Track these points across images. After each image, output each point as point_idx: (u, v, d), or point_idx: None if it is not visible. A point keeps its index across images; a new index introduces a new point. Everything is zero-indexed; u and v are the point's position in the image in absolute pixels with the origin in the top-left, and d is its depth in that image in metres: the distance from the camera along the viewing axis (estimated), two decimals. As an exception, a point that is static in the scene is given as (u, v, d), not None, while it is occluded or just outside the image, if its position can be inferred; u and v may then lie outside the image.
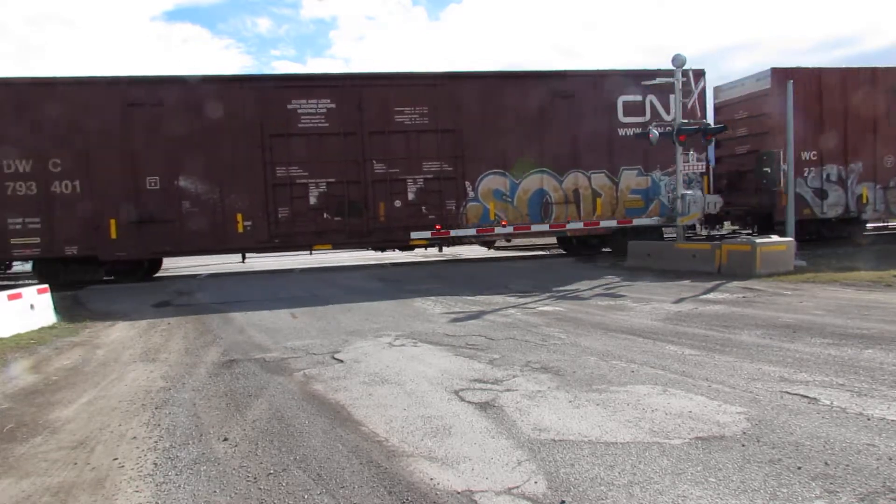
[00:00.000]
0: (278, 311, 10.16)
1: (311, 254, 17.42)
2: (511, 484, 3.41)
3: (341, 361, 6.48)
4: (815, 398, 4.64)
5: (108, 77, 15.28)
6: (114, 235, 14.97)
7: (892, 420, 4.12)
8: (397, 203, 16.43)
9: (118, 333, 8.91)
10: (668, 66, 14.49)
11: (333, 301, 11.05)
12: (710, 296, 10.09)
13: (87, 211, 14.83)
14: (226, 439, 4.31)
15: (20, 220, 14.57)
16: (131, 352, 7.57)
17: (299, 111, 15.89)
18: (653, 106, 17.35)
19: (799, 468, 3.45)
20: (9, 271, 16.81)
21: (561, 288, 11.71)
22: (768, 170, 14.36)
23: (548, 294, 10.99)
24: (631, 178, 17.59)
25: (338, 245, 16.86)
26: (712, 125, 14.77)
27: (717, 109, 19.53)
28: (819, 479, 3.31)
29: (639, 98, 17.27)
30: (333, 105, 16.00)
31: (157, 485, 3.64)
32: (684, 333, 7.22)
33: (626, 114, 17.37)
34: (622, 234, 17.43)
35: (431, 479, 3.52)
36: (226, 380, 5.95)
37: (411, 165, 16.42)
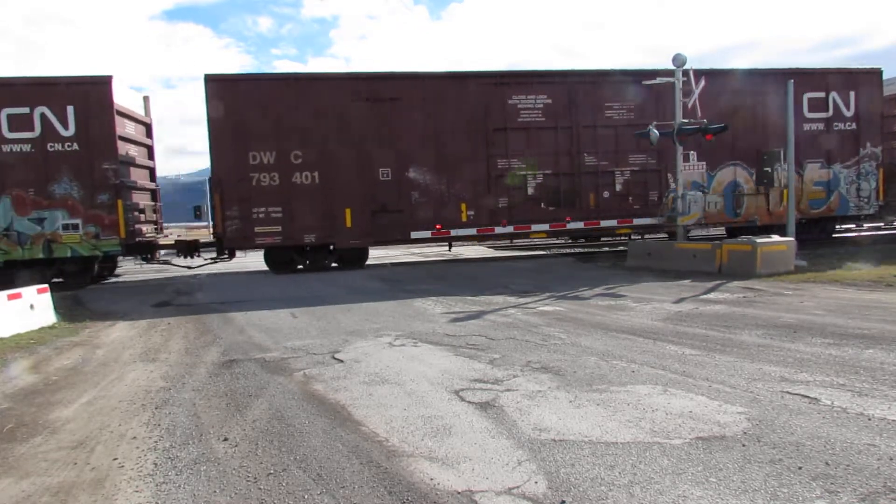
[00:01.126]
0: (278, 310, 10.16)
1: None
2: (511, 484, 3.40)
3: (341, 361, 6.47)
4: (815, 398, 4.63)
5: (347, 74, 16.70)
6: (349, 224, 15.98)
7: (893, 420, 4.11)
8: (605, 194, 17.45)
9: (118, 333, 8.91)
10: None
11: (333, 301, 11.04)
12: (711, 296, 10.08)
13: (325, 201, 15.85)
14: (226, 439, 4.31)
15: (263, 209, 15.54)
16: (131, 352, 7.56)
17: (518, 106, 16.90)
18: (835, 102, 18.35)
19: (800, 468, 3.45)
20: (152, 261, 17.96)
21: (561, 288, 11.70)
22: (769, 169, 14.34)
23: (548, 294, 10.98)
24: (814, 171, 18.46)
25: (551, 234, 18.17)
26: (712, 125, 14.71)
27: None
28: (820, 479, 3.31)
29: (822, 95, 18.23)
30: (549, 101, 17.00)
31: (157, 485, 3.63)
32: (685, 333, 7.21)
33: (810, 110, 18.26)
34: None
35: (431, 479, 3.52)
36: (226, 380, 5.94)
37: (619, 158, 17.44)
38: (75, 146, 14.52)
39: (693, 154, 17.22)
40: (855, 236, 20.73)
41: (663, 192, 17.59)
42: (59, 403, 5.43)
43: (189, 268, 17.63)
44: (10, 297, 8.98)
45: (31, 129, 14.29)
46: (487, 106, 16.63)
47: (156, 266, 19.10)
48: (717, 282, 11.53)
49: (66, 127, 14.45)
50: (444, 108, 16.39)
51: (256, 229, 15.49)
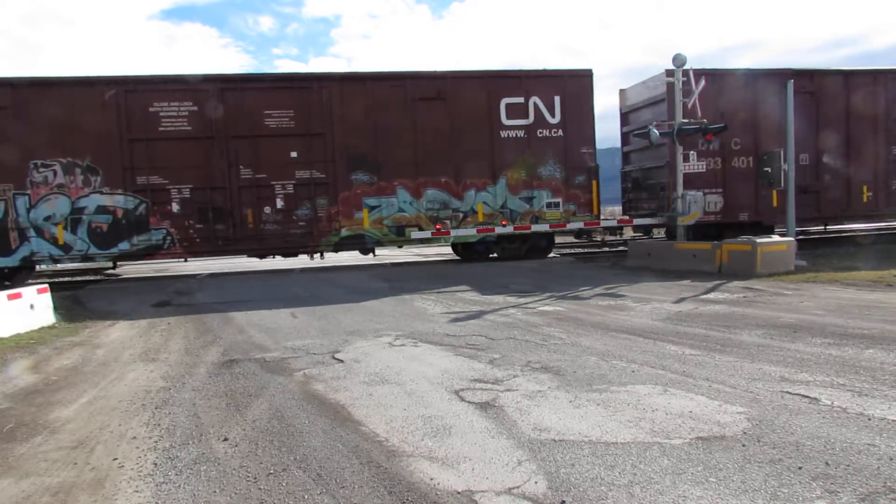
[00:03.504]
0: (278, 310, 10.16)
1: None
2: (511, 484, 3.40)
3: (341, 361, 6.47)
4: (815, 398, 4.63)
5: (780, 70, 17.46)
6: (775, 204, 16.97)
7: (893, 420, 4.12)
8: None
9: (118, 333, 8.91)
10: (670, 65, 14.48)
11: (333, 301, 11.04)
12: (711, 296, 10.09)
13: (754, 183, 16.90)
14: (226, 439, 4.31)
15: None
16: (131, 352, 7.56)
17: None
18: None
19: (800, 468, 3.45)
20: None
21: (561, 288, 11.70)
22: (768, 169, 14.33)
23: (548, 294, 10.98)
24: None
25: None
26: (712, 125, 14.71)
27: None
28: (820, 479, 3.31)
29: None
30: None
31: (157, 485, 3.63)
32: (685, 333, 7.21)
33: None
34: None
35: (431, 479, 3.52)
36: (226, 380, 5.95)
37: None
38: (559, 132, 16.64)
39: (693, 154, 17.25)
40: (855, 236, 20.73)
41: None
42: (59, 403, 5.43)
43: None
44: (10, 297, 8.98)
45: (526, 116, 16.44)
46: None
47: (158, 266, 19.09)
48: (717, 282, 11.53)
49: (552, 115, 16.58)
50: (862, 101, 17.72)
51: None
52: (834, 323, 7.41)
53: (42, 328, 9.21)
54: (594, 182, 16.87)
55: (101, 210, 14.81)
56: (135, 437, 4.45)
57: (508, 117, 16.43)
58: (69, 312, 10.64)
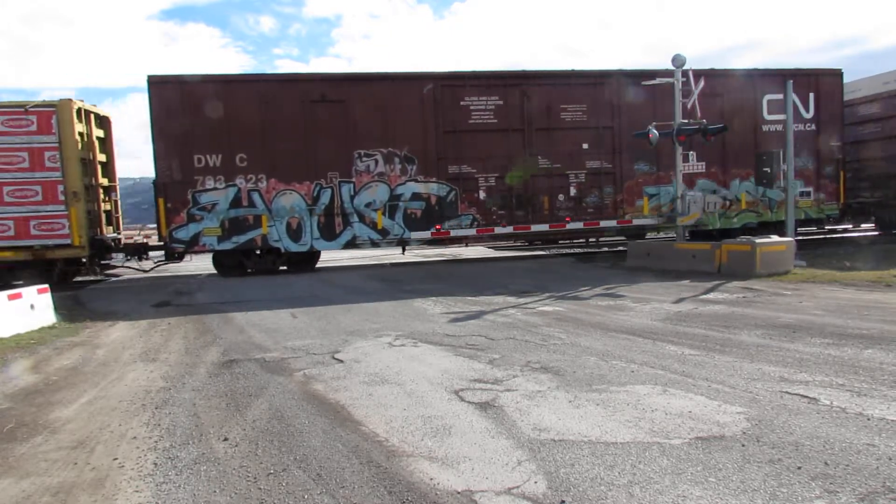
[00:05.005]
0: (278, 311, 10.16)
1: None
2: (511, 484, 3.41)
3: (341, 361, 6.48)
4: (814, 398, 4.64)
5: None
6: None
7: (892, 420, 4.12)
8: None
9: (118, 333, 8.91)
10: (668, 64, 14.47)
11: (333, 301, 11.04)
12: (710, 296, 10.09)
13: None
14: (226, 439, 4.31)
15: None
16: (131, 352, 7.56)
17: None
18: None
19: (799, 468, 3.45)
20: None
21: (561, 288, 11.70)
22: (768, 170, 14.32)
23: (548, 294, 10.98)
24: None
25: None
26: (711, 126, 14.69)
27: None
28: (819, 478, 3.32)
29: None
30: None
31: (157, 485, 3.64)
32: (684, 333, 7.22)
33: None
34: None
35: (431, 479, 3.52)
36: (226, 380, 5.95)
37: None
38: (812, 126, 17.94)
39: (692, 154, 17.30)
40: (855, 236, 20.79)
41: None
42: (60, 403, 5.44)
43: None
44: (11, 297, 8.98)
45: (784, 112, 16.14)
46: None
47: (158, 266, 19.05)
48: (717, 282, 11.53)
49: (806, 110, 17.82)
50: None
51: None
52: (833, 323, 7.42)
53: (42, 328, 9.21)
54: (842, 172, 18.35)
55: (416, 197, 16.21)
56: (135, 437, 4.46)
57: (769, 112, 17.68)
58: (69, 312, 10.64)
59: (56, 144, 14.66)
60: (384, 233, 15.97)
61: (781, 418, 4.24)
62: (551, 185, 16.71)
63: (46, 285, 10.19)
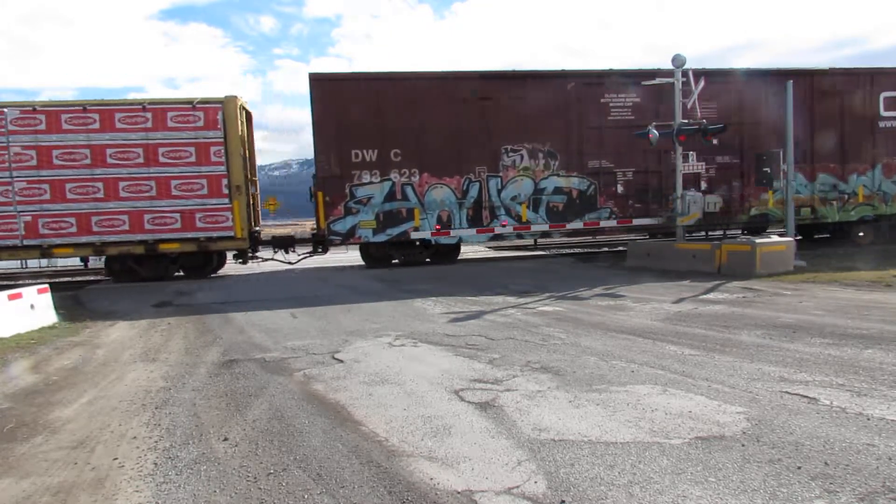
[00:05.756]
0: (278, 311, 10.16)
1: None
2: (511, 484, 3.41)
3: (341, 361, 6.48)
4: (814, 398, 4.64)
5: None
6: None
7: (892, 420, 4.12)
8: None
9: (118, 333, 8.91)
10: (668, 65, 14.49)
11: (333, 301, 11.05)
12: (710, 296, 10.09)
13: None
14: (226, 439, 4.32)
15: None
16: (131, 352, 7.57)
17: None
18: None
19: (799, 468, 3.45)
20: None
21: (561, 288, 11.71)
22: (768, 170, 14.33)
23: (548, 294, 10.99)
24: None
25: None
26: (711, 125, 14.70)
27: None
28: (819, 478, 3.32)
29: None
30: None
31: (157, 485, 3.64)
32: (684, 333, 7.22)
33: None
34: None
35: (431, 478, 3.52)
36: (226, 380, 5.95)
37: None
38: None
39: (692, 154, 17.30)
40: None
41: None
42: (60, 403, 5.44)
43: None
44: (11, 297, 8.98)
45: None
46: None
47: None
48: (717, 282, 11.53)
49: None
50: None
51: None
52: (833, 323, 7.42)
53: (42, 328, 9.22)
54: None
55: (558, 191, 16.95)
56: (135, 437, 4.46)
57: (886, 109, 18.22)
58: (69, 312, 10.64)
59: (221, 139, 15.00)
60: (527, 225, 16.72)
61: (781, 418, 4.24)
62: (684, 180, 16.61)
63: (47, 285, 10.20)
